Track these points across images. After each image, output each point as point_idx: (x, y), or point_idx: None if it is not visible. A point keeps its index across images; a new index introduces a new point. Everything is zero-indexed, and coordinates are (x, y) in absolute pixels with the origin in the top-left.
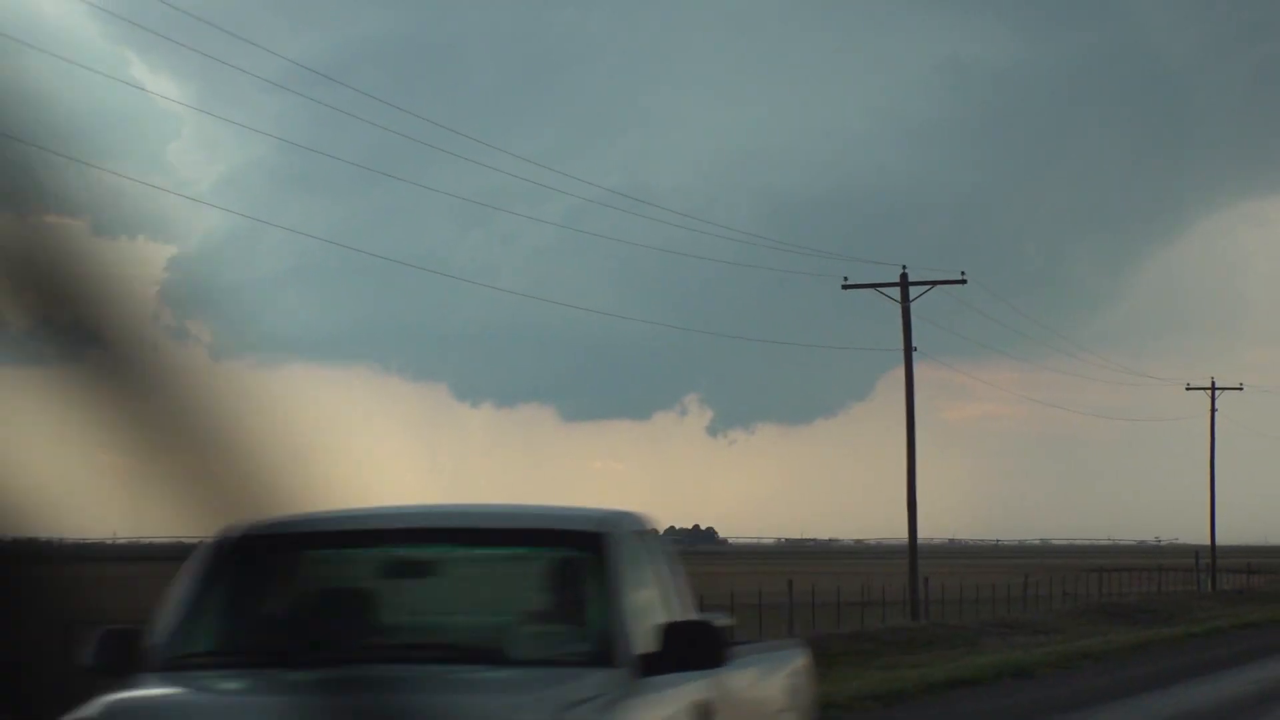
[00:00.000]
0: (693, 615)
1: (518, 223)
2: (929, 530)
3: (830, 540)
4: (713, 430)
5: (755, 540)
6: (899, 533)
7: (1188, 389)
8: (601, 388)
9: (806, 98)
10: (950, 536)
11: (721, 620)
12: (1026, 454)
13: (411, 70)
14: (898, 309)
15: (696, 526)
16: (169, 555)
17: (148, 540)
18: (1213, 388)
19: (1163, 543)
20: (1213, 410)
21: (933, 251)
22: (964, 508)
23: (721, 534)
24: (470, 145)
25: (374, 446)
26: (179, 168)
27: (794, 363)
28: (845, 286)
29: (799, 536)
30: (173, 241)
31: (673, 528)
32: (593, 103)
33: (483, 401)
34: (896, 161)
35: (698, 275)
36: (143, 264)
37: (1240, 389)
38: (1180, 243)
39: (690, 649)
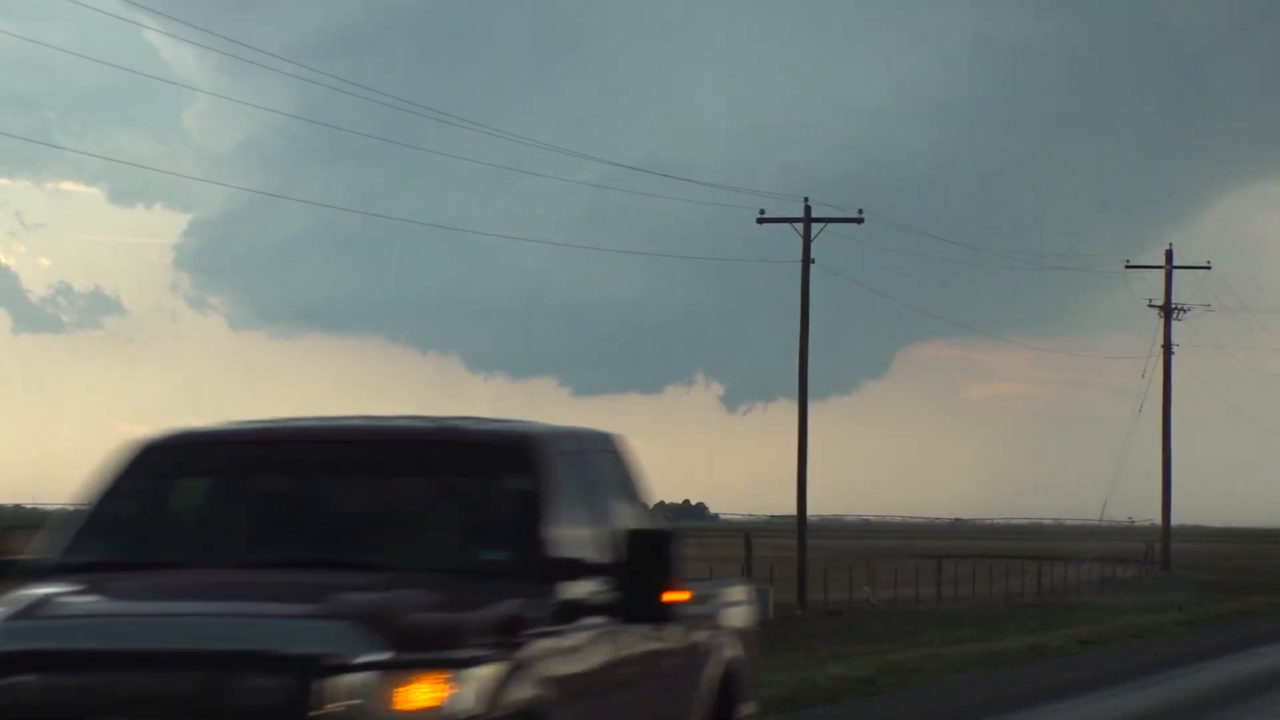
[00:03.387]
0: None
1: (537, 194)
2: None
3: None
4: (727, 404)
5: (748, 516)
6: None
7: (757, 219)
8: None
9: (830, 72)
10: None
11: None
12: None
13: (433, 38)
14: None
15: (686, 501)
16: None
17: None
18: (806, 215)
19: (1135, 523)
20: (806, 260)
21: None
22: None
23: (714, 509)
24: (491, 114)
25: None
26: (194, 134)
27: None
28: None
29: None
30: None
31: (662, 502)
32: (612, 74)
33: (495, 373)
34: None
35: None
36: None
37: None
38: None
39: (650, 560)
